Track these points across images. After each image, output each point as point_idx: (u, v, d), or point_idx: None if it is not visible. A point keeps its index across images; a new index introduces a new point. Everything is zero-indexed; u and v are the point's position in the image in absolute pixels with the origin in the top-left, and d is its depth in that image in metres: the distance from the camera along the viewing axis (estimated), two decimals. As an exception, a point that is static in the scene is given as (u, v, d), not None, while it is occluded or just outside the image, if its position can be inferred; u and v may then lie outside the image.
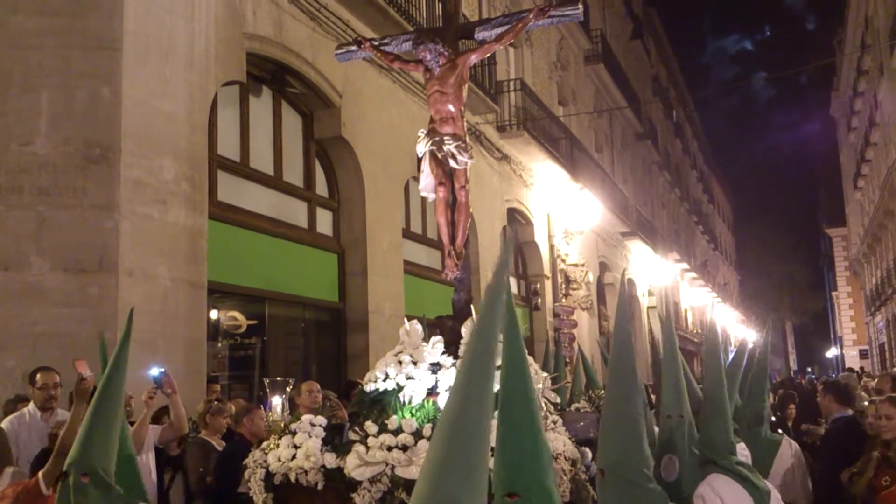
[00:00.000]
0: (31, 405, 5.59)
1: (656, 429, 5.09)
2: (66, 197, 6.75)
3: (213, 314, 9.10)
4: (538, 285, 18.29)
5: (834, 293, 58.60)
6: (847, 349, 52.83)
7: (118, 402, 3.34)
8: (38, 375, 5.62)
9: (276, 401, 4.33)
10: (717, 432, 3.51)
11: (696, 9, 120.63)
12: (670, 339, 3.68)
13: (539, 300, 18.25)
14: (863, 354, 47.07)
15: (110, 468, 3.23)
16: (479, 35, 5.07)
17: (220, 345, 9.49)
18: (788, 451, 5.47)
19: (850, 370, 24.58)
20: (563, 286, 18.69)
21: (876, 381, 10.52)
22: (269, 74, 9.92)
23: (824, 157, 58.08)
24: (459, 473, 1.40)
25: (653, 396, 5.90)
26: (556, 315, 18.12)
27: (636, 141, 31.14)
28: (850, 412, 6.13)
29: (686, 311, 39.66)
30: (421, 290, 12.43)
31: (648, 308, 29.48)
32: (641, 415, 2.99)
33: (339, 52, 5.55)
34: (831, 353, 61.31)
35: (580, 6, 5.02)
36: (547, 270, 18.52)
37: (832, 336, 61.67)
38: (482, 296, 1.53)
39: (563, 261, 18.72)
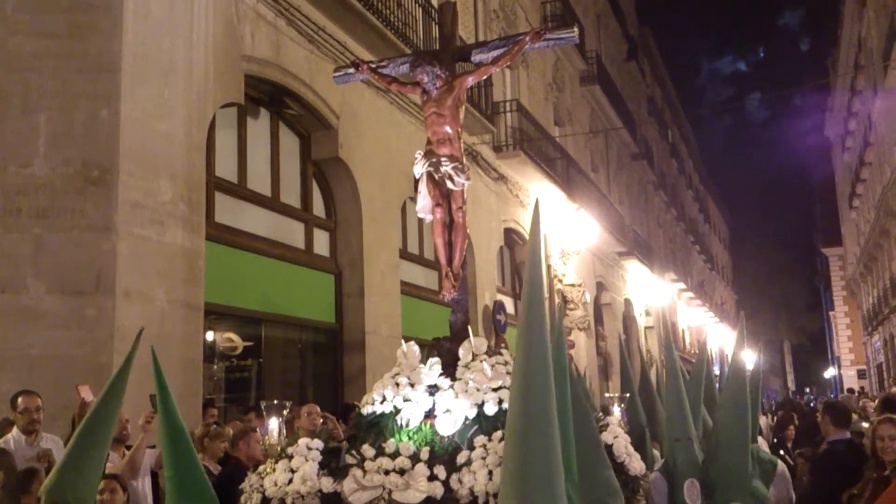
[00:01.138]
0: (15, 430, 5.51)
1: (656, 452, 5.08)
2: (63, 219, 6.75)
3: (209, 335, 9.06)
4: (535, 306, 18.24)
5: (831, 313, 58.64)
6: (845, 369, 52.79)
7: (108, 430, 3.24)
8: (20, 399, 5.53)
9: (273, 424, 4.30)
10: (735, 459, 3.48)
11: (690, 30, 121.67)
12: (672, 365, 3.67)
13: (536, 320, 18.20)
14: (861, 374, 47.07)
15: (88, 497, 3.12)
16: (476, 57, 5.09)
17: (215, 366, 9.45)
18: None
19: (850, 391, 24.55)
20: (561, 306, 18.68)
21: (875, 402, 10.50)
22: (267, 96, 9.96)
23: (820, 177, 58.37)
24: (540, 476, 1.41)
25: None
26: (553, 335, 18.08)
27: (632, 161, 31.25)
28: (848, 434, 6.12)
29: (683, 331, 39.63)
30: (418, 311, 12.42)
31: (646, 328, 29.48)
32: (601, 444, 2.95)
33: (337, 74, 5.57)
34: (829, 373, 61.25)
35: (576, 29, 5.04)
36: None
37: (830, 356, 61.61)
38: (522, 287, 1.56)
39: (560, 281, 18.73)
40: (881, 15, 26.80)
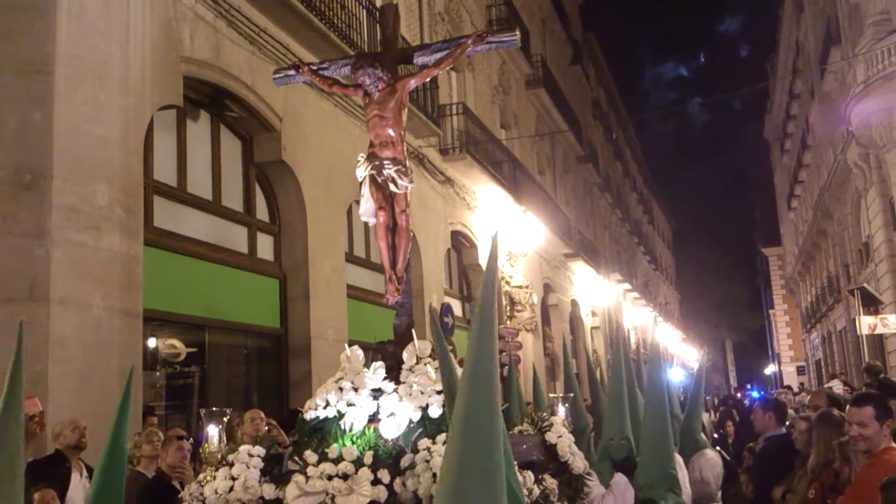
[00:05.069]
0: None
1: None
2: (-6, 224, 6.54)
3: (151, 342, 8.88)
4: (483, 308, 18.30)
5: (771, 311, 60.11)
6: (785, 366, 54.16)
7: (17, 436, 3.13)
8: None
9: (213, 431, 4.20)
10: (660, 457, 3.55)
11: (633, 36, 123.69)
12: (617, 366, 3.71)
13: (484, 322, 18.23)
14: (800, 371, 48.34)
15: None
16: (419, 60, 5.07)
17: (157, 374, 9.25)
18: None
19: (788, 388, 25.13)
20: (508, 308, 18.76)
21: (810, 397, 10.75)
22: (207, 98, 9.80)
23: (759, 179, 59.71)
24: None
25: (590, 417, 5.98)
26: (501, 337, 18.17)
27: (577, 164, 31.58)
28: (783, 430, 6.26)
29: (629, 330, 40.16)
30: (365, 315, 12.34)
31: (592, 329, 29.80)
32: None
33: (277, 76, 5.49)
34: (770, 369, 62.72)
35: (517, 33, 5.05)
36: (491, 293, 18.55)
37: (770, 353, 63.09)
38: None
39: (508, 283, 18.81)
40: (818, 20, 27.55)
